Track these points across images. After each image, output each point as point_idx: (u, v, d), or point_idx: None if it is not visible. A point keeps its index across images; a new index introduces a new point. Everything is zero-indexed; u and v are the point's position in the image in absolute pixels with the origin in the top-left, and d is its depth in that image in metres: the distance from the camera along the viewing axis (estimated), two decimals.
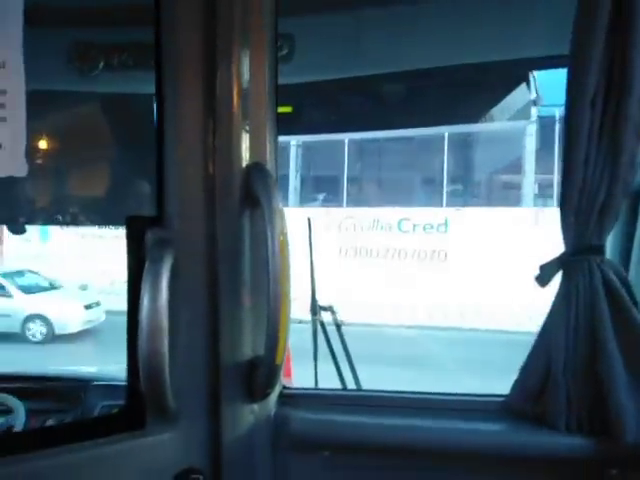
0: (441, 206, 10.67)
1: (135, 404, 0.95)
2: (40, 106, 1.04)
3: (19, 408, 1.42)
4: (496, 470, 1.00)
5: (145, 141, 1.10)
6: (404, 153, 10.20)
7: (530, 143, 9.60)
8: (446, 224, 10.12)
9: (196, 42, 0.95)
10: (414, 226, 10.10)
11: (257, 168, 0.97)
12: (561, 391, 0.98)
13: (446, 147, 10.17)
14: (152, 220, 0.96)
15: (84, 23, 1.26)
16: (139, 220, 0.96)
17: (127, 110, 1.29)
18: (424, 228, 10.19)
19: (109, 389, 1.53)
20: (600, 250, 1.00)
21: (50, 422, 1.45)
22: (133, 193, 1.14)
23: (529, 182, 10.28)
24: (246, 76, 0.98)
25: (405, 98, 2.12)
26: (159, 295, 0.86)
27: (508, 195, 10.73)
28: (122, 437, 0.95)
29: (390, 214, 10.03)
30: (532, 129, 9.08)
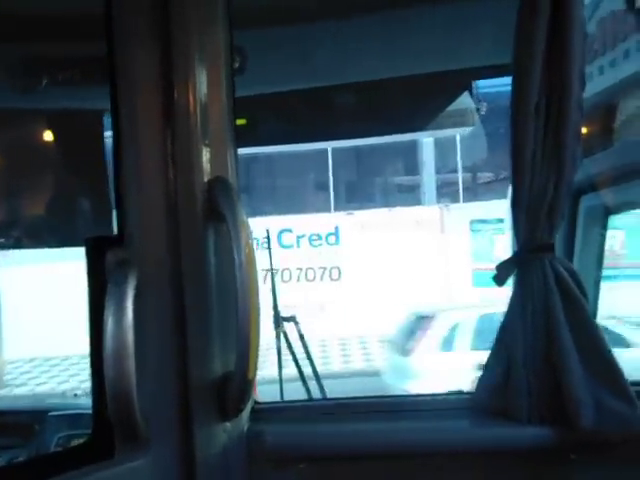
0: (329, 211, 9.44)
1: (102, 432, 0.91)
2: None
3: None
4: (468, 465, 1.03)
5: (99, 158, 1.07)
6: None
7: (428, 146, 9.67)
8: (337, 233, 8.62)
9: (151, 57, 0.93)
10: (298, 238, 8.35)
11: (219, 182, 0.96)
12: (522, 385, 1.02)
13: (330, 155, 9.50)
14: (112, 240, 0.93)
15: (28, 38, 1.22)
16: (99, 241, 0.93)
17: (77, 127, 1.26)
18: (310, 240, 8.55)
19: (66, 418, 1.46)
20: (551, 248, 1.06)
21: (1, 461, 1.37)
22: (90, 213, 1.11)
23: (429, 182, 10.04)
24: (204, 90, 0.97)
25: (355, 109, 2.17)
26: (123, 317, 0.84)
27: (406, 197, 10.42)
28: (90, 469, 0.90)
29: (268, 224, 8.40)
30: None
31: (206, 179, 0.96)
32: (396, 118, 2.33)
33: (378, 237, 8.33)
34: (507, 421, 1.03)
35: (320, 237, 8.58)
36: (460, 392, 1.14)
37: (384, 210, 8.99)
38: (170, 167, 0.95)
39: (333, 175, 10.04)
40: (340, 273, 8.45)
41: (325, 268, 8.41)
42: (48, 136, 1.30)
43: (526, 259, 1.06)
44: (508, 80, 1.10)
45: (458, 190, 10.26)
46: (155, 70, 0.93)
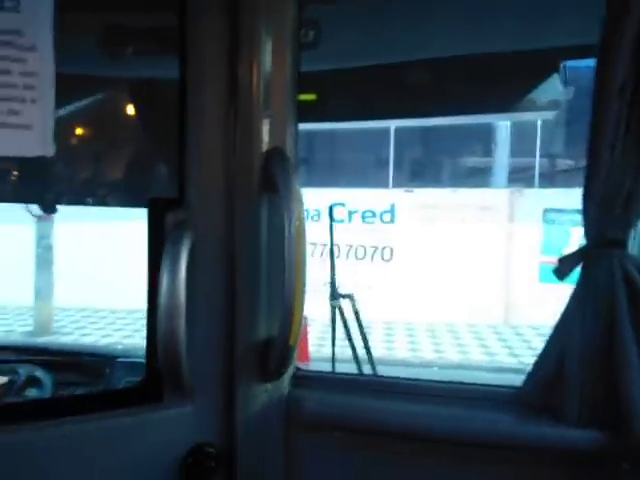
0: (387, 187, 8.53)
1: (153, 379, 0.98)
2: (68, 90, 1.07)
3: (46, 380, 1.48)
4: (506, 459, 1.00)
5: (168, 125, 1.12)
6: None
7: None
8: (392, 211, 7.80)
9: (219, 28, 0.96)
10: (350, 213, 7.54)
11: (276, 153, 0.98)
12: (575, 384, 0.97)
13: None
14: (173, 202, 0.98)
15: (113, 7, 1.28)
16: (160, 202, 0.98)
17: (151, 95, 1.32)
18: (363, 216, 7.78)
19: (132, 366, 1.58)
20: (622, 244, 0.98)
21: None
22: (156, 176, 1.17)
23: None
24: (268, 63, 0.99)
25: (430, 86, 2.10)
26: (177, 275, 0.89)
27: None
28: (140, 409, 0.98)
29: (319, 197, 6.60)
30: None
31: (265, 150, 0.98)
32: (474, 99, 2.24)
33: (438, 218, 7.68)
34: (555, 420, 0.98)
35: (374, 214, 7.78)
36: (507, 385, 1.10)
37: (447, 191, 8.04)
38: (231, 136, 0.98)
39: (395, 152, 9.30)
40: (392, 253, 7.78)
41: (377, 247, 7.76)
42: (127, 103, 1.37)
43: (593, 254, 0.99)
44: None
45: (534, 175, 9.24)
46: (222, 42, 0.96)
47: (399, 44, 1.80)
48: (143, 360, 1.01)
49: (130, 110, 1.31)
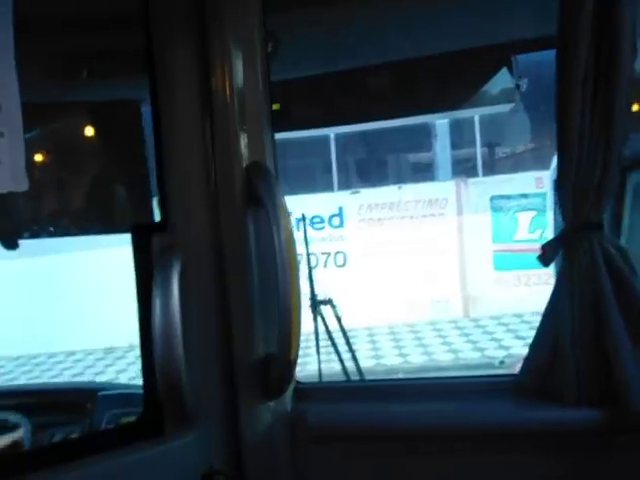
0: (332, 191, 8.38)
1: (152, 411, 0.95)
2: (32, 119, 1.03)
3: (25, 424, 1.40)
4: (511, 447, 1.02)
5: (141, 147, 1.09)
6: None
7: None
8: (341, 214, 7.55)
9: (188, 46, 0.95)
10: (297, 221, 7.01)
11: (257, 167, 0.97)
12: (570, 366, 1.00)
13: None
14: (157, 226, 0.96)
15: (66, 31, 1.24)
16: (144, 227, 0.96)
17: (117, 117, 1.29)
18: (312, 222, 7.22)
19: (115, 398, 1.52)
20: (599, 226, 1.02)
21: (58, 436, 1.44)
22: (135, 201, 1.14)
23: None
24: (240, 75, 0.98)
25: (391, 89, 2.13)
26: (171, 300, 0.87)
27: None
28: (141, 445, 0.95)
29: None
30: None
31: (244, 164, 0.97)
32: (432, 97, 2.28)
33: (387, 217, 7.61)
34: (553, 403, 1.01)
35: (322, 219, 7.47)
36: (505, 374, 1.12)
37: (394, 188, 7.91)
38: (209, 154, 0.96)
39: (338, 156, 9.32)
40: (346, 259, 7.54)
41: (329, 253, 7.45)
42: (89, 127, 1.34)
43: (573, 238, 1.02)
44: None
45: (476, 165, 9.33)
46: (192, 58, 0.95)
47: (356, 50, 1.82)
48: (127, 391, 0.98)
49: (97, 135, 1.28)
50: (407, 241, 7.53)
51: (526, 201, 7.31)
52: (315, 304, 2.76)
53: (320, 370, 2.65)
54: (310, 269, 2.82)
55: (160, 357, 0.87)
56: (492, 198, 7.48)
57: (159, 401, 0.91)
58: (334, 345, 2.67)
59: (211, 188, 0.97)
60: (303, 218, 2.96)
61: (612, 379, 0.97)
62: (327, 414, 1.06)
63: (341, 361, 2.57)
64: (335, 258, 7.63)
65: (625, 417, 0.97)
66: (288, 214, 0.93)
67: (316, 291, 2.79)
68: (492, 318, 6.86)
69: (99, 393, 1.58)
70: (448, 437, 1.04)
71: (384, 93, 2.10)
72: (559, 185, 1.03)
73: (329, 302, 2.79)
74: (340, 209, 7.65)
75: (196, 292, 0.96)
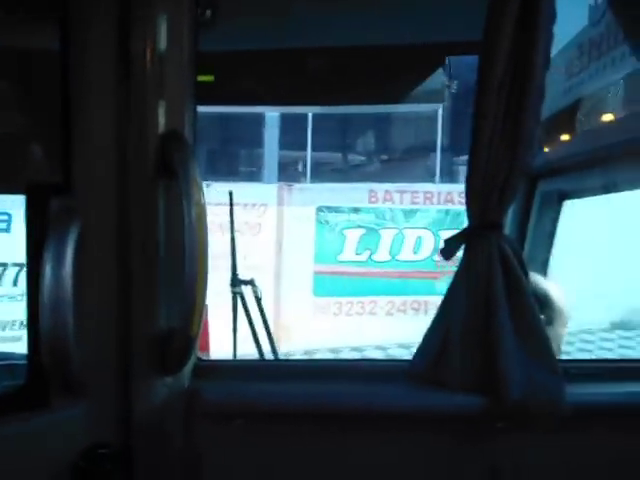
0: None
1: (37, 380, 0.90)
2: None
3: None
4: (398, 428, 1.08)
5: (46, 101, 1.02)
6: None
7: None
8: None
9: (108, 1, 0.90)
10: None
11: (173, 136, 0.95)
12: (457, 355, 1.07)
13: None
14: (56, 188, 0.90)
15: None
16: (41, 187, 0.90)
17: (29, 67, 1.20)
18: None
19: (10, 369, 1.44)
20: (499, 226, 1.09)
21: None
22: (34, 158, 1.07)
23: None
24: (163, 40, 0.94)
25: (329, 75, 2.14)
26: (63, 266, 0.82)
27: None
28: (23, 416, 0.90)
29: None
30: None
31: (160, 133, 0.94)
32: (368, 88, 2.31)
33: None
34: (440, 389, 1.08)
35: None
36: (397, 360, 1.18)
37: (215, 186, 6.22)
38: (122, 117, 0.92)
39: None
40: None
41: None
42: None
43: (474, 235, 1.09)
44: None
45: (304, 169, 8.37)
46: (112, 16, 0.90)
47: (297, 28, 1.80)
48: (20, 362, 0.93)
49: (3, 82, 1.18)
50: (217, 252, 6.32)
51: (357, 216, 6.18)
52: (235, 283, 2.75)
53: (235, 349, 2.65)
54: (234, 247, 2.80)
55: (46, 325, 0.83)
56: (318, 209, 6.11)
57: (44, 371, 0.87)
58: (251, 325, 2.68)
59: (122, 154, 0.93)
60: (230, 195, 2.92)
61: (495, 370, 1.05)
62: (224, 392, 1.06)
63: (256, 341, 2.59)
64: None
65: (503, 405, 1.05)
66: (201, 188, 0.92)
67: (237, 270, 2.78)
68: (306, 353, 5.62)
69: None
70: (343, 417, 1.08)
71: (319, 78, 2.10)
72: (467, 184, 1.08)
73: (250, 282, 2.79)
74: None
75: (95, 260, 0.92)
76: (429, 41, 1.86)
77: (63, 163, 0.91)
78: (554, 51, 1.11)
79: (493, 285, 1.06)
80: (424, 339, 1.12)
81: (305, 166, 9.02)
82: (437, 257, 5.83)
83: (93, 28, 0.91)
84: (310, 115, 7.99)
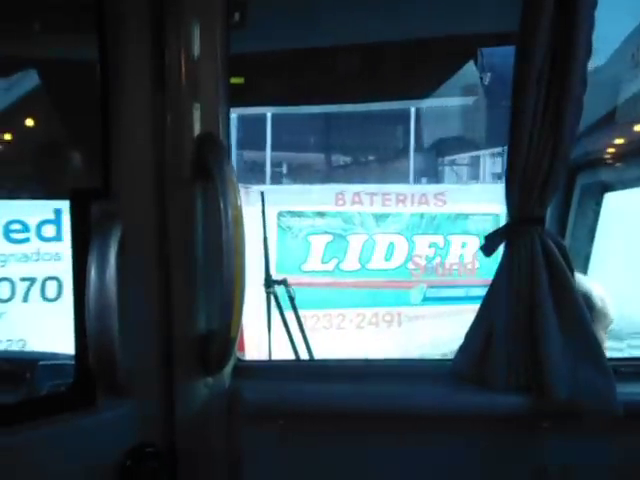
0: None
1: (84, 381, 0.93)
2: None
3: None
4: (443, 428, 1.06)
5: (88, 110, 1.05)
6: None
7: None
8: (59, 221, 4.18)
9: (141, 9, 0.91)
10: None
11: (208, 139, 0.95)
12: (501, 354, 1.04)
13: None
14: (98, 192, 0.93)
15: None
16: (84, 192, 0.93)
17: (68, 77, 1.23)
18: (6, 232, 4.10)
19: (57, 368, 1.49)
20: (541, 221, 1.06)
21: None
22: (77, 165, 1.10)
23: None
24: (196, 44, 0.95)
25: (358, 72, 2.12)
26: (107, 269, 0.84)
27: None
28: (71, 415, 0.93)
29: None
30: None
31: (196, 136, 0.95)
32: (397, 84, 2.29)
33: None
34: (484, 389, 1.05)
35: (27, 227, 4.43)
36: (441, 359, 1.16)
37: None
38: (159, 122, 0.94)
39: None
40: (61, 289, 4.39)
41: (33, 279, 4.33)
42: (41, 86, 1.27)
43: (516, 231, 1.06)
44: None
45: (264, 170, 7.56)
46: (145, 23, 0.92)
47: (327, 27, 1.80)
48: (69, 362, 0.95)
49: (45, 93, 1.21)
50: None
51: (322, 221, 5.51)
52: (269, 283, 2.77)
53: (270, 349, 2.67)
54: (266, 248, 2.82)
55: (93, 328, 0.85)
56: (280, 214, 5.50)
57: (91, 371, 0.90)
58: (286, 325, 2.69)
59: (159, 157, 0.94)
60: (262, 198, 2.94)
61: (540, 368, 1.02)
62: (265, 392, 1.07)
63: (291, 341, 2.60)
64: (43, 287, 4.35)
65: (549, 404, 1.02)
66: (237, 190, 0.92)
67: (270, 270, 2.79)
68: None
69: (39, 363, 1.54)
70: (384, 418, 1.07)
71: (351, 75, 2.09)
72: (506, 179, 1.06)
73: (283, 282, 2.80)
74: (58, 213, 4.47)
75: (136, 263, 0.93)
76: (461, 33, 1.83)
77: (103, 169, 0.93)
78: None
79: (537, 282, 1.03)
80: (466, 337, 1.09)
81: (290, 168, 8.59)
82: (411, 265, 5.29)
83: (129, 37, 0.92)
84: (269, 115, 7.38)
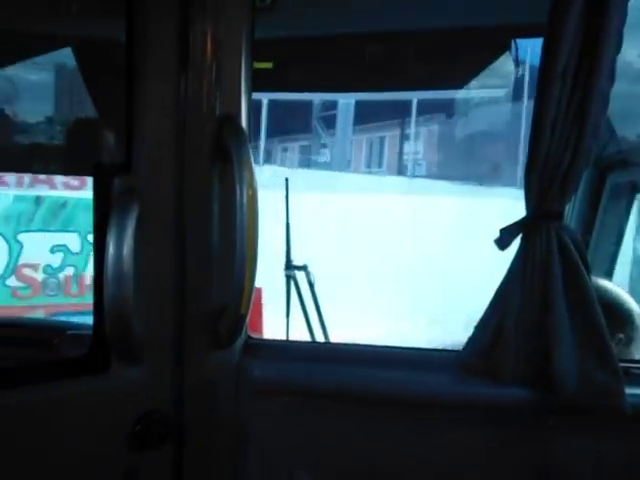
0: None
1: (100, 347, 0.98)
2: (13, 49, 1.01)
3: None
4: (446, 418, 1.07)
5: (113, 88, 1.08)
6: None
7: None
8: None
9: None
10: None
11: (228, 120, 0.98)
12: (511, 346, 1.04)
13: None
14: (120, 167, 0.96)
15: None
16: (106, 167, 0.96)
17: (94, 56, 1.26)
18: None
19: (84, 338, 1.55)
20: (559, 216, 1.05)
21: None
22: (101, 141, 1.13)
23: None
24: (222, 27, 0.97)
25: (388, 60, 2.10)
26: (125, 242, 0.89)
27: None
28: (86, 379, 0.98)
29: None
30: None
31: (217, 118, 0.97)
32: (428, 74, 2.26)
33: None
34: (491, 381, 1.05)
35: None
36: (450, 350, 1.17)
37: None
38: (182, 102, 0.96)
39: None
40: None
41: None
42: (71, 63, 1.31)
43: (533, 224, 1.05)
44: None
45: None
46: (171, 3, 0.93)
47: (357, 13, 1.79)
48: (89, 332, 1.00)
49: (72, 70, 1.25)
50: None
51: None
52: (290, 268, 2.80)
53: (288, 331, 2.71)
54: (288, 233, 2.85)
55: (109, 297, 0.90)
56: None
57: (107, 339, 0.94)
58: (304, 308, 2.73)
59: (179, 135, 0.97)
60: (286, 181, 2.97)
61: (548, 362, 1.01)
62: (273, 370, 1.09)
63: (308, 324, 2.64)
64: None
65: (556, 399, 1.02)
66: (253, 172, 0.94)
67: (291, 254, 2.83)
68: None
69: (68, 332, 1.61)
70: (389, 403, 1.09)
71: (379, 63, 2.07)
72: (526, 172, 1.04)
73: (304, 268, 2.84)
74: None
75: (153, 237, 0.97)
76: (493, 23, 1.79)
77: (126, 145, 0.96)
78: None
79: (551, 277, 1.02)
80: (476, 329, 1.09)
81: None
82: (14, 281, 3.48)
83: (154, 17, 0.95)
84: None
